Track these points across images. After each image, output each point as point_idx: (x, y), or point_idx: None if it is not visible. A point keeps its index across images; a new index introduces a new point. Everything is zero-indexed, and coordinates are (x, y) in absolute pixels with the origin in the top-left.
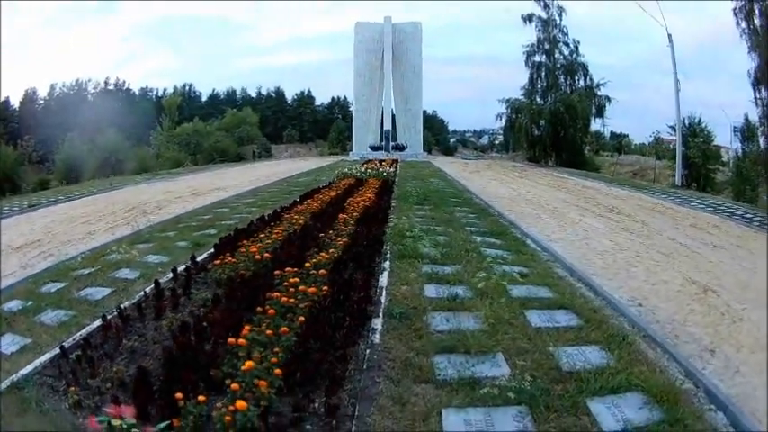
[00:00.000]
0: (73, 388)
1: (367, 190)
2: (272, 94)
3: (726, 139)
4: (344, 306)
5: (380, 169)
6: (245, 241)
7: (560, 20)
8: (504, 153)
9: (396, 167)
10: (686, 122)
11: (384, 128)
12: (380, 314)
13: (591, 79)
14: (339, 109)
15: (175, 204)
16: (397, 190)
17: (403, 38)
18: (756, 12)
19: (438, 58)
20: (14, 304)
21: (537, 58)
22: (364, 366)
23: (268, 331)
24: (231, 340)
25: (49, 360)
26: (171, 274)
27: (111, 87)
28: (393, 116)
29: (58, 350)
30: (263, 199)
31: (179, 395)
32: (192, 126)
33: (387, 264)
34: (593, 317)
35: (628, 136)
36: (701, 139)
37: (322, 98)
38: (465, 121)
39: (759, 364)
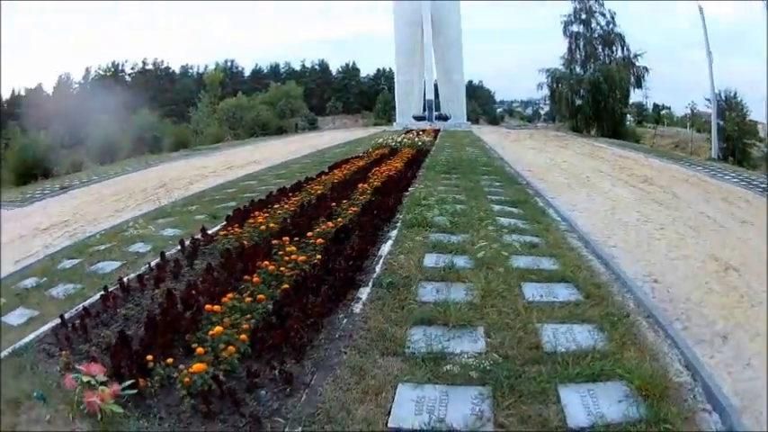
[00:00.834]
0: (65, 352)
1: (397, 160)
2: (317, 67)
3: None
4: (333, 275)
5: (416, 139)
6: (257, 213)
7: None
8: (549, 123)
9: (435, 137)
10: (722, 95)
11: (426, 98)
12: (369, 283)
13: (628, 50)
14: (385, 80)
15: (207, 179)
16: (429, 159)
17: (442, 9)
18: None
19: (482, 30)
20: (30, 281)
21: (574, 28)
22: (336, 336)
23: (247, 299)
24: (208, 307)
25: (50, 329)
26: (179, 246)
27: (150, 67)
28: (435, 87)
29: (58, 320)
30: (293, 171)
31: (149, 357)
32: (236, 101)
33: (394, 233)
34: (594, 292)
35: (670, 108)
36: (736, 113)
37: (367, 70)
38: (512, 92)
39: None
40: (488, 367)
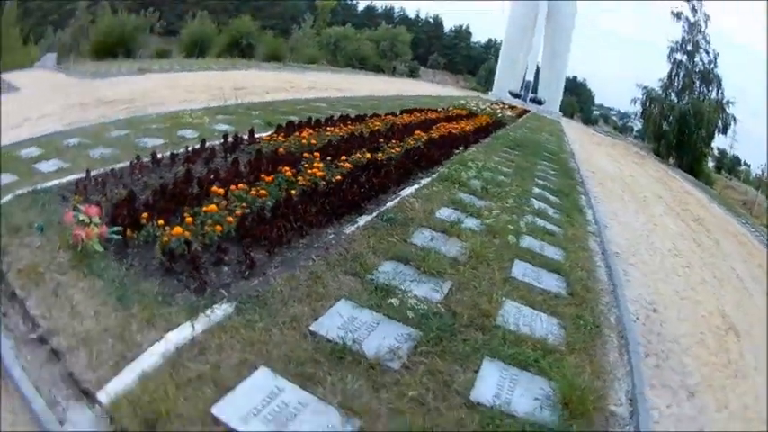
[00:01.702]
0: (77, 197)
1: (469, 123)
2: (430, 20)
3: None
4: (342, 196)
5: (500, 112)
6: (306, 129)
7: (705, 26)
8: (639, 141)
9: (520, 116)
10: None
11: (526, 78)
12: (373, 214)
13: (722, 94)
14: (493, 52)
15: (285, 92)
16: (500, 132)
17: None
18: None
19: (597, 32)
20: (73, 141)
21: (678, 56)
22: (314, 245)
23: (253, 192)
24: (214, 189)
25: (74, 180)
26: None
27: None
28: (537, 70)
29: (83, 174)
30: (367, 105)
31: (145, 215)
32: (342, 31)
33: (424, 180)
34: (580, 294)
35: (749, 166)
36: None
37: (479, 38)
38: (612, 99)
39: None
40: (430, 316)
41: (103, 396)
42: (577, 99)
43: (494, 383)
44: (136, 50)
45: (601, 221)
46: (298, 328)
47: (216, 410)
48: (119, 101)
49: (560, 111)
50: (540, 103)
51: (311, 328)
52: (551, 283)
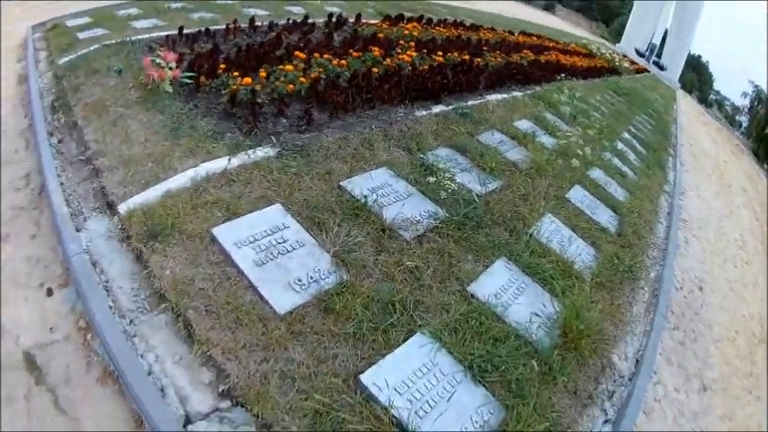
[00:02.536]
0: (163, 48)
1: (583, 60)
2: None
3: None
4: (422, 83)
5: (619, 61)
6: (415, 23)
7: None
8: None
9: (639, 73)
10: None
11: (653, 41)
12: (450, 105)
13: None
14: (628, 7)
15: None
16: (612, 78)
17: None
18: None
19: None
20: (177, 5)
21: None
22: (380, 118)
23: (335, 62)
24: (297, 53)
25: (165, 36)
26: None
27: None
28: (665, 36)
29: (176, 31)
30: (487, 19)
31: (222, 66)
32: None
33: (516, 93)
34: (629, 238)
35: None
36: None
37: None
38: (729, 89)
39: None
40: (462, 202)
41: (123, 208)
42: (697, 78)
43: (498, 284)
44: None
45: (679, 186)
46: (328, 181)
47: (216, 231)
48: None
49: (679, 83)
50: (661, 68)
51: (341, 183)
52: (604, 216)
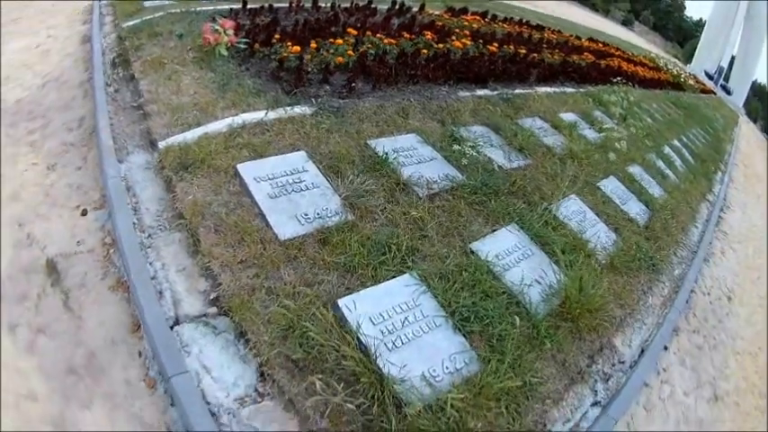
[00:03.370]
0: (225, 18)
1: (648, 72)
2: None
3: None
4: (468, 66)
5: (684, 78)
6: (477, 17)
7: None
8: None
9: (704, 93)
10: None
11: (721, 64)
12: (496, 90)
13: None
14: (701, 32)
15: None
16: (674, 92)
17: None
18: None
19: None
20: None
21: None
22: (421, 92)
23: (386, 41)
24: (350, 29)
25: (228, 9)
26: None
27: None
28: (732, 60)
29: (240, 4)
30: (558, 23)
31: (277, 36)
32: None
33: (568, 89)
34: (657, 231)
35: None
36: None
37: (692, 12)
38: None
39: None
40: (481, 170)
41: (163, 144)
42: (763, 107)
43: (503, 246)
44: None
45: (723, 200)
46: (356, 139)
47: (240, 166)
48: None
49: (744, 109)
50: (728, 92)
51: (368, 142)
52: (634, 208)
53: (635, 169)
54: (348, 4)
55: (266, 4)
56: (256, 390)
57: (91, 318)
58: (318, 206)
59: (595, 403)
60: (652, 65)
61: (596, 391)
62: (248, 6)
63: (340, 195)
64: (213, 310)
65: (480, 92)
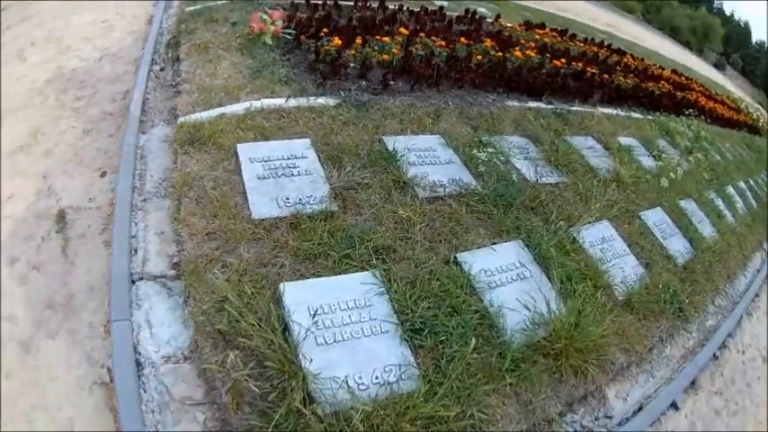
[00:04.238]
0: (279, 8)
1: (725, 110)
2: (741, 23)
3: None
4: (522, 77)
5: (763, 124)
6: (552, 33)
7: None
8: None
9: None
10: None
11: None
12: (550, 105)
13: None
14: None
15: (574, 15)
16: (749, 135)
17: None
18: None
19: None
20: None
21: None
22: (464, 97)
23: (438, 43)
24: (401, 29)
25: (290, 1)
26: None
27: None
28: None
29: None
30: (644, 53)
31: (325, 30)
32: None
33: (634, 114)
34: (696, 275)
35: None
36: None
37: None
38: None
39: None
40: (498, 180)
41: (181, 120)
42: None
43: (496, 262)
44: None
45: None
46: (371, 134)
47: (240, 147)
48: None
49: None
50: None
51: (383, 137)
52: (675, 245)
53: (688, 204)
54: (417, 8)
55: (331, 0)
56: (183, 353)
57: (81, 264)
58: (303, 192)
59: None
60: (733, 106)
61: None
62: (312, 1)
63: (331, 185)
64: (173, 272)
65: (532, 104)
